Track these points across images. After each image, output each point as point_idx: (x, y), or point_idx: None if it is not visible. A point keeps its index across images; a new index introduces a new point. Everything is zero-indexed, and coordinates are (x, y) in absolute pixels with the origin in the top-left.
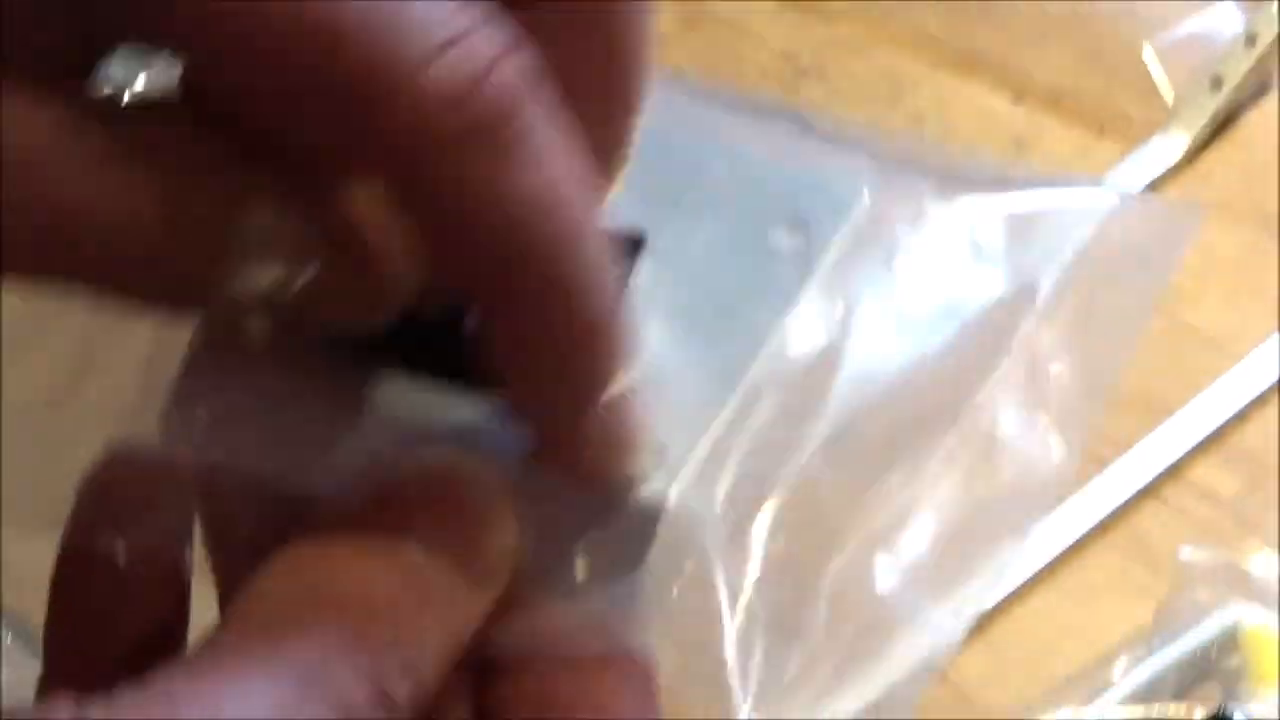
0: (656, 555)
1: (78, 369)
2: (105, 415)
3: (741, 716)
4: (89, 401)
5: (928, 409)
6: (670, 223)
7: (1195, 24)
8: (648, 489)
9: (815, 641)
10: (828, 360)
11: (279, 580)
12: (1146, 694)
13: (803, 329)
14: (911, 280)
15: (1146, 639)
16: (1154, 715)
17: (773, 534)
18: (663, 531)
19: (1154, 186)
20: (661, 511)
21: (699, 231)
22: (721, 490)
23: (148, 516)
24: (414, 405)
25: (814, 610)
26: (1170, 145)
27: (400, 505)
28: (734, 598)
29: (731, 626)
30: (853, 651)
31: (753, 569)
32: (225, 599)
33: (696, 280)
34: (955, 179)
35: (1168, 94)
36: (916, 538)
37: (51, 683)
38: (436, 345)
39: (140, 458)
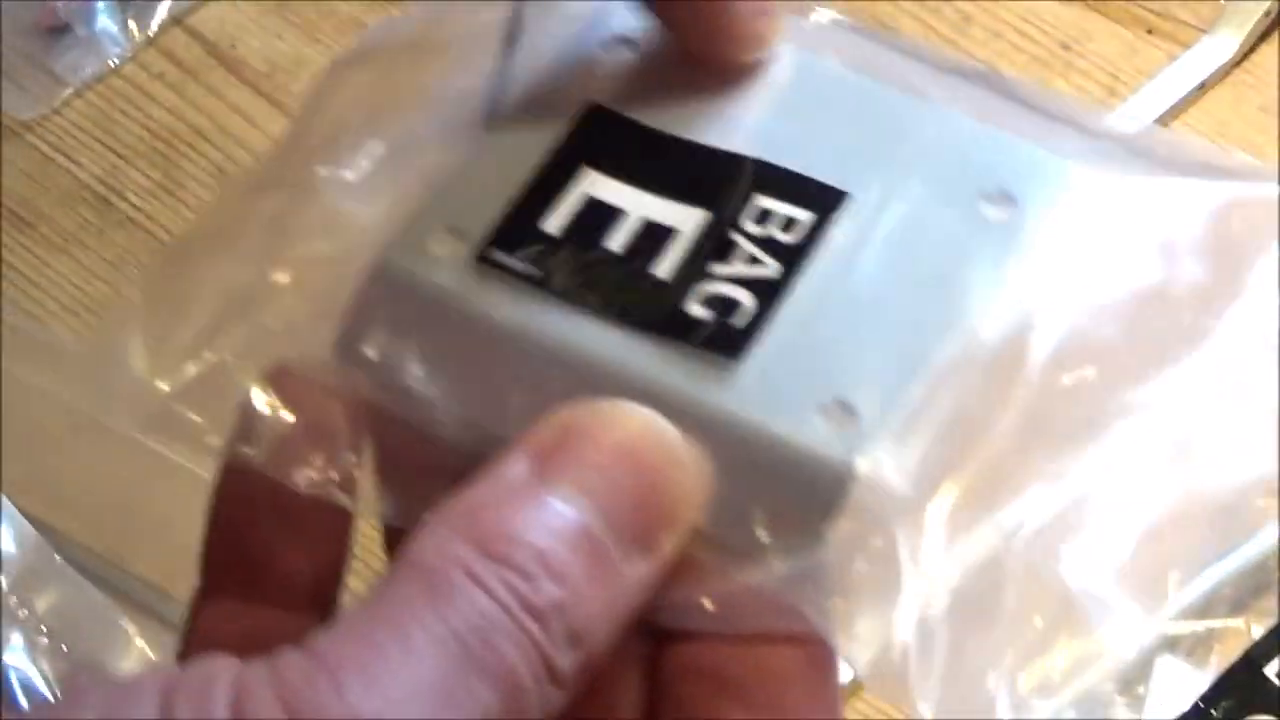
0: (838, 526)
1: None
2: (277, 332)
3: (920, 704)
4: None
5: (1124, 397)
6: (874, 181)
7: None
8: (834, 452)
9: (1001, 630)
10: (1025, 341)
11: (445, 532)
12: (1202, 609)
13: (1005, 307)
14: (1115, 265)
15: (1201, 549)
16: (1210, 628)
17: (960, 515)
18: (848, 501)
19: (1202, 88)
20: (848, 478)
21: (904, 192)
22: (911, 464)
23: (316, 437)
24: (599, 349)
25: (1000, 597)
26: (1219, 46)
27: (578, 461)
28: (918, 578)
29: (914, 608)
30: (1043, 643)
31: (938, 550)
32: (391, 541)
33: (897, 243)
34: (1162, 162)
35: None
36: (1107, 528)
37: (208, 598)
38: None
39: (313, 376)
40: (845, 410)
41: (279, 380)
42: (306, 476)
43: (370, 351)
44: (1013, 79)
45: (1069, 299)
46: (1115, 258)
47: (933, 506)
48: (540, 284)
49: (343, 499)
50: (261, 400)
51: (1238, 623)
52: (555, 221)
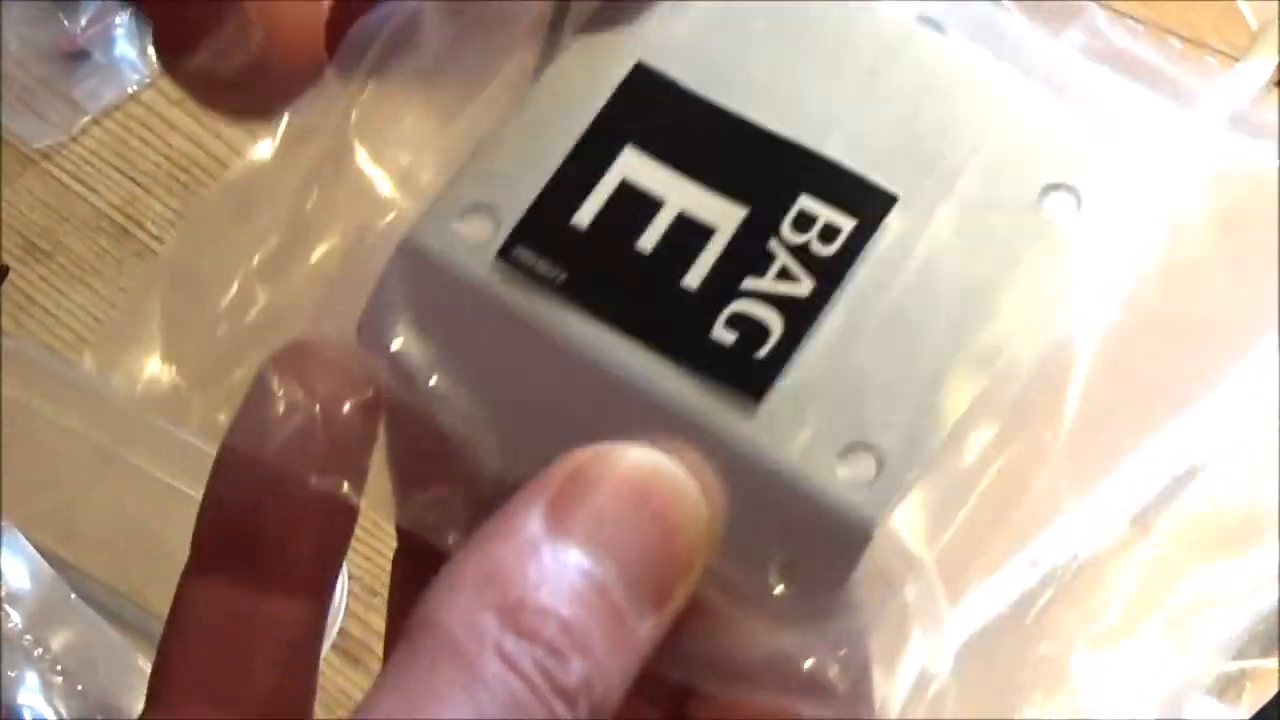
0: (856, 585)
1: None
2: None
3: None
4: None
5: (1156, 432)
6: (928, 173)
7: None
8: (857, 506)
9: (1005, 699)
10: (1065, 378)
11: (469, 599)
12: (1238, 648)
13: (1051, 335)
14: (1160, 280)
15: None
16: (1242, 668)
17: (978, 575)
18: (867, 558)
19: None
20: (869, 535)
21: (959, 187)
22: (932, 520)
23: (328, 427)
24: (621, 364)
25: (1014, 697)
26: (1253, 71)
27: (593, 513)
28: (927, 641)
29: (920, 668)
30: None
31: (950, 614)
32: (402, 537)
33: (943, 254)
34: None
35: (1250, 18)
36: (1125, 622)
37: (197, 576)
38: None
39: (332, 361)
40: (870, 454)
41: (294, 363)
42: (314, 469)
43: (392, 338)
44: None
45: (1116, 319)
46: (1163, 270)
47: (949, 566)
48: (565, 288)
49: (351, 496)
50: (273, 383)
51: (1270, 663)
52: (587, 211)
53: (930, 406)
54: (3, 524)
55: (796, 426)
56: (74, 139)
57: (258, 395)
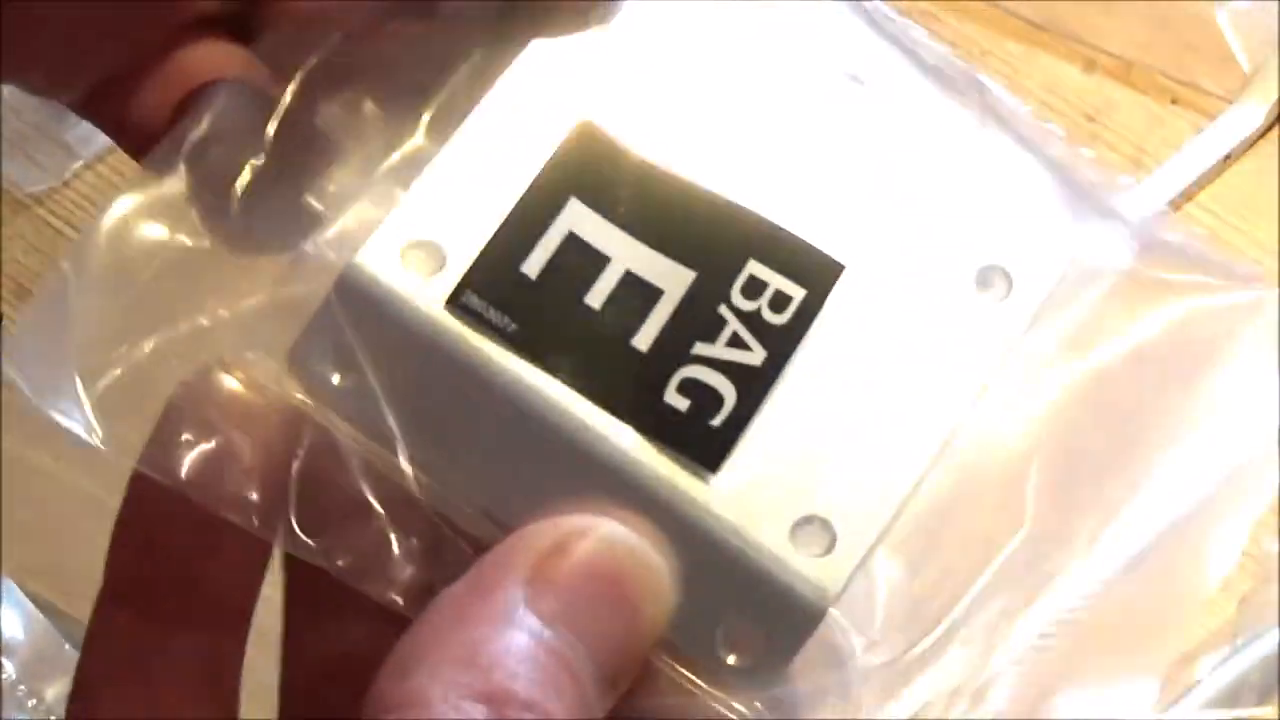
0: (802, 658)
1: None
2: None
3: None
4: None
5: (1114, 508)
6: (872, 242)
7: None
8: (808, 583)
9: None
10: (1015, 454)
11: (450, 680)
12: (1230, 696)
13: (995, 413)
14: (1106, 360)
15: (1229, 636)
16: (1238, 718)
17: (928, 657)
18: (818, 635)
19: (1228, 159)
20: (819, 615)
21: (901, 259)
22: (884, 598)
23: (242, 455)
24: (569, 422)
25: None
26: (1245, 117)
27: (570, 595)
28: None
29: None
30: None
31: (901, 698)
32: (289, 564)
33: (888, 327)
34: (1168, 251)
35: (1243, 62)
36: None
37: (110, 603)
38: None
39: (254, 384)
40: (822, 529)
41: (209, 389)
42: (224, 499)
43: (327, 367)
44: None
45: (1061, 398)
46: (1106, 353)
47: (900, 644)
48: (514, 339)
49: (262, 529)
50: (185, 409)
51: (1267, 711)
52: (535, 261)
53: (882, 481)
54: None
55: (750, 497)
56: (66, 184)
57: (169, 421)
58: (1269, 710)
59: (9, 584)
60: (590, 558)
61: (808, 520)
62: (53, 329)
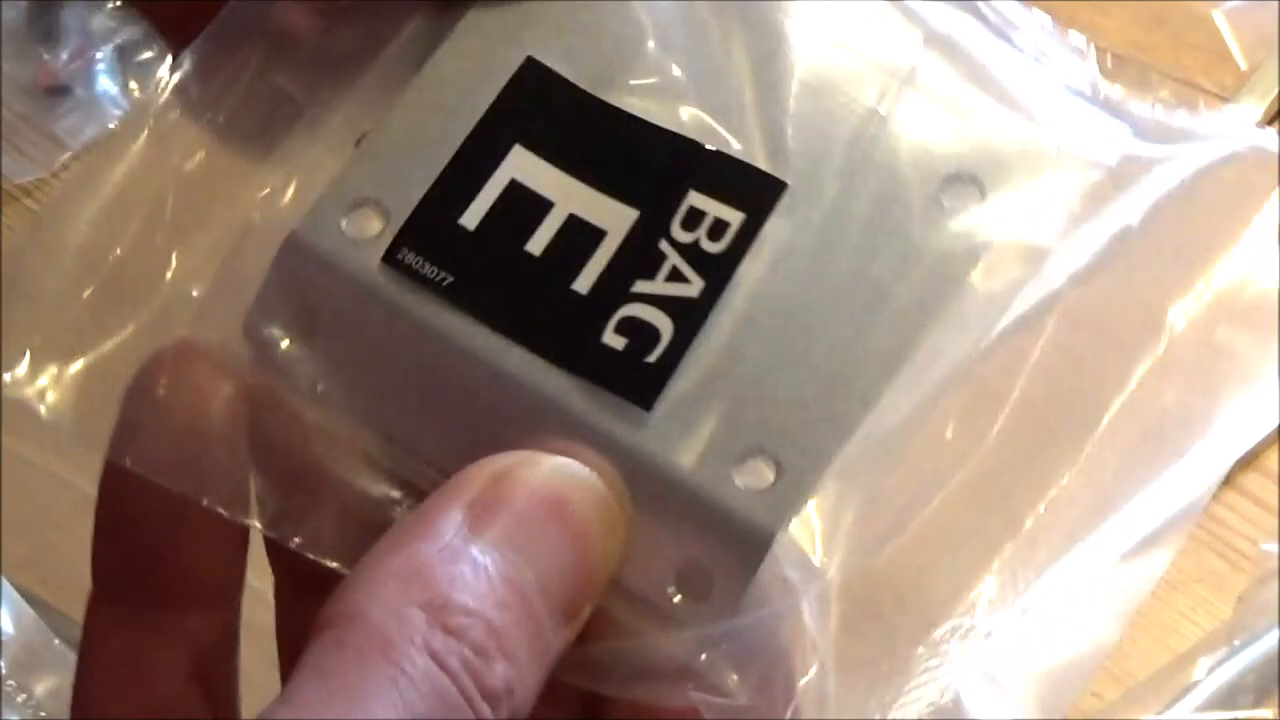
0: (756, 590)
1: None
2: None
3: None
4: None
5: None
6: (823, 162)
7: None
8: (755, 516)
9: None
10: (981, 378)
11: (393, 591)
12: (1226, 697)
13: (961, 334)
14: (1087, 263)
15: (1227, 637)
16: (1236, 718)
17: (876, 599)
18: (764, 570)
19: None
20: (766, 548)
21: (856, 178)
22: (834, 532)
23: (206, 437)
24: (510, 370)
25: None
26: (1243, 114)
27: (514, 519)
28: (822, 678)
29: (817, 685)
30: None
31: (847, 632)
32: (271, 549)
33: (840, 246)
34: (1146, 126)
35: (1240, 60)
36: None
37: (100, 605)
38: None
39: (212, 363)
40: (769, 463)
41: (172, 369)
42: (193, 480)
43: (278, 336)
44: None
45: (1033, 318)
46: (1090, 253)
47: (852, 582)
48: (450, 291)
49: (230, 510)
50: (148, 392)
51: (1266, 713)
52: (475, 212)
53: (830, 412)
54: None
55: (691, 433)
56: (55, 175)
57: (131, 407)
58: (1267, 711)
59: None
60: (535, 485)
61: (751, 453)
62: (19, 315)
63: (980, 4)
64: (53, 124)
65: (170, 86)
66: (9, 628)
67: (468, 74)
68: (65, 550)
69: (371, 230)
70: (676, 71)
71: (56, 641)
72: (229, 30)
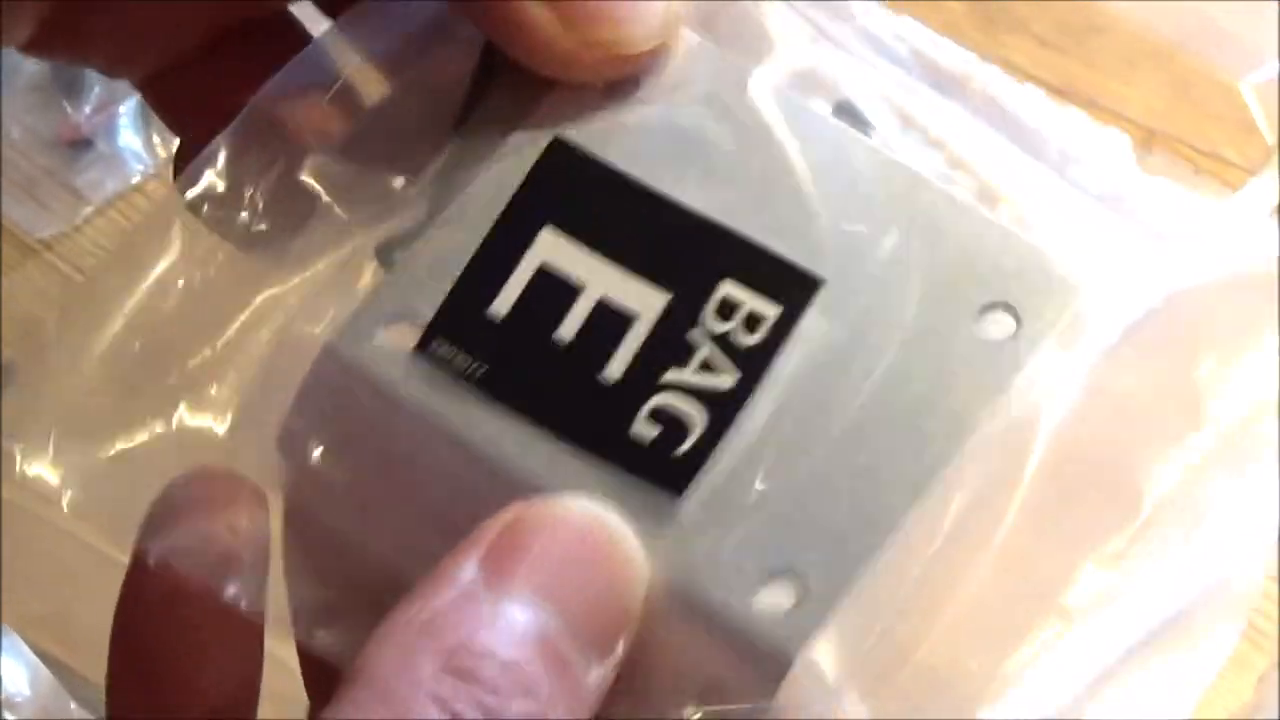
0: (775, 711)
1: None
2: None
3: None
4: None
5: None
6: (859, 267)
7: None
8: (777, 637)
9: None
10: (1001, 504)
11: (403, 645)
12: None
13: (988, 458)
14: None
15: (1248, 716)
16: None
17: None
18: (786, 686)
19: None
20: (788, 665)
21: (888, 292)
22: (857, 655)
23: (236, 543)
24: (542, 465)
25: None
26: (1271, 188)
27: (532, 560)
28: None
29: None
30: None
31: None
32: (307, 668)
33: (876, 355)
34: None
35: (1268, 133)
36: None
37: (114, 690)
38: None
39: (243, 472)
40: (794, 584)
41: (204, 480)
42: (219, 589)
43: (311, 449)
44: (1025, 118)
45: (1060, 446)
46: (1112, 382)
47: (877, 690)
48: (483, 382)
49: (255, 615)
50: (181, 500)
51: None
52: (505, 300)
53: (856, 531)
54: (2, 627)
55: (716, 543)
56: (76, 229)
57: (164, 511)
58: None
59: (13, 638)
60: (557, 524)
61: (776, 572)
62: (41, 393)
63: (1014, 109)
64: (74, 178)
65: (193, 183)
66: (25, 688)
67: (496, 164)
68: (82, 610)
69: (407, 341)
70: (710, 162)
71: (73, 705)
72: (251, 128)
